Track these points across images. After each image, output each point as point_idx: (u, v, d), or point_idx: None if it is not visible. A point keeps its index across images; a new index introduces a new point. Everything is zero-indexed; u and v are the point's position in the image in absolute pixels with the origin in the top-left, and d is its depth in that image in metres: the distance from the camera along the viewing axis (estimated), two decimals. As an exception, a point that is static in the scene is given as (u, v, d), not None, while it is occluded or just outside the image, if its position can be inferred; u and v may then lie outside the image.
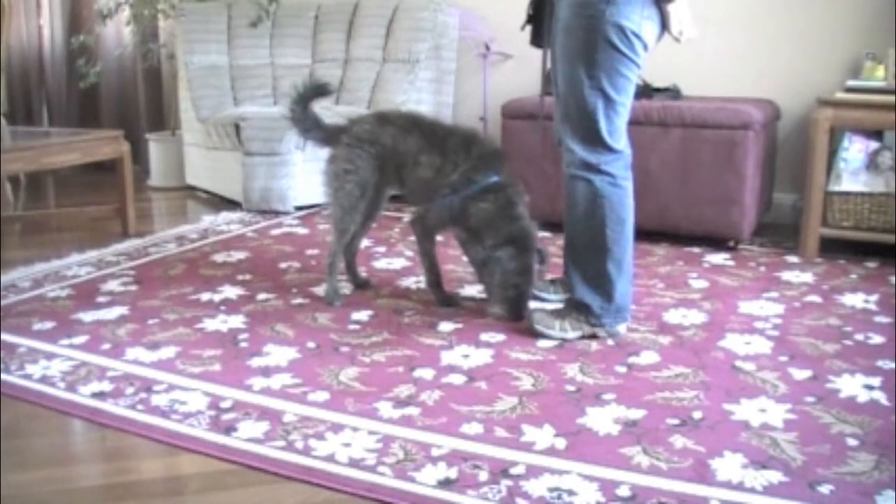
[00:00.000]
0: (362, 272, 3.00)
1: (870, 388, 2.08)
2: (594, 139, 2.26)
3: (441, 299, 2.71)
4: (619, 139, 2.30)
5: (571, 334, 2.39)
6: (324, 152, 2.86)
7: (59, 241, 3.71)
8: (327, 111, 4.11)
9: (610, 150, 2.27)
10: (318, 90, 2.81)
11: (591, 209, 2.31)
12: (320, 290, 2.88)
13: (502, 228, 2.47)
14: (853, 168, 3.28)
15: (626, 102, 2.28)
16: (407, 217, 3.91)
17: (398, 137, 2.64)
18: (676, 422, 1.91)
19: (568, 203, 2.40)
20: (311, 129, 2.79)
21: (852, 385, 2.10)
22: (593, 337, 2.40)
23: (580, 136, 2.29)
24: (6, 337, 2.47)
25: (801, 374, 2.18)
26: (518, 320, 2.52)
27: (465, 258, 2.71)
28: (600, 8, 2.17)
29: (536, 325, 2.41)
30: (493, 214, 2.47)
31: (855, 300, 2.76)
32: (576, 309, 2.40)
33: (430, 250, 2.68)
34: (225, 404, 2.02)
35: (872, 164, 3.26)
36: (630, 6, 2.17)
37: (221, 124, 4.26)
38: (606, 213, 2.29)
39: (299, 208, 4.13)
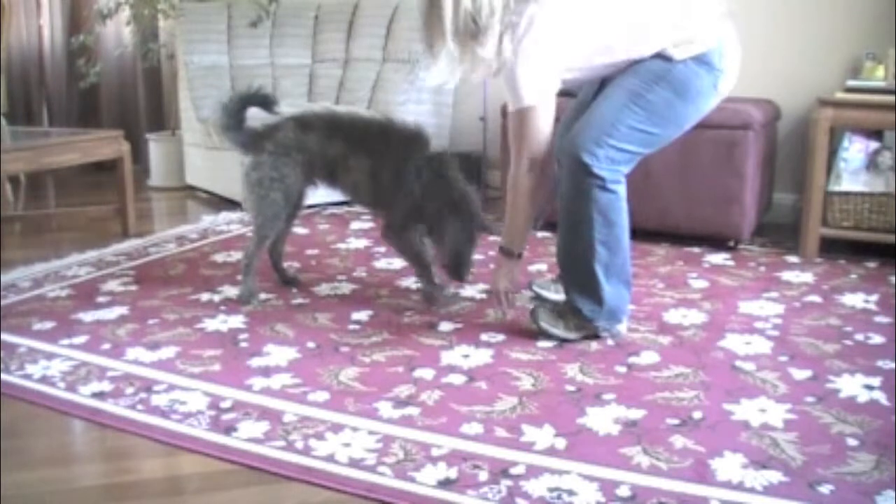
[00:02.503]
0: (362, 272, 3.00)
1: (870, 388, 2.08)
2: (601, 141, 2.21)
3: (437, 292, 2.67)
4: (620, 168, 2.26)
5: (574, 335, 2.38)
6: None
7: (59, 241, 3.71)
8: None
9: (608, 160, 2.22)
10: (261, 99, 2.75)
11: (577, 211, 2.27)
12: (320, 289, 2.88)
13: (442, 193, 2.52)
14: (853, 168, 3.28)
15: (644, 150, 2.30)
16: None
17: (323, 142, 2.66)
18: (676, 422, 1.91)
19: (558, 204, 2.39)
20: (232, 129, 2.73)
21: (852, 385, 2.10)
22: (594, 337, 2.40)
23: (590, 131, 2.24)
24: (6, 337, 2.47)
25: (801, 374, 2.18)
26: (461, 280, 2.64)
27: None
28: (713, 72, 2.25)
29: (541, 323, 2.40)
30: (431, 181, 2.52)
31: (855, 300, 2.76)
32: (570, 312, 2.40)
33: (412, 251, 2.66)
34: (225, 404, 2.02)
35: (872, 164, 3.26)
36: (722, 79, 2.28)
37: (221, 124, 4.26)
38: (593, 216, 2.25)
39: (299, 208, 4.13)
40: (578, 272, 2.34)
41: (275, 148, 2.68)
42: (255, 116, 2.78)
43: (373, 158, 2.61)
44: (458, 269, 2.56)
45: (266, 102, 2.76)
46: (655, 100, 2.22)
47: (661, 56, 2.24)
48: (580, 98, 2.53)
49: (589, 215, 2.26)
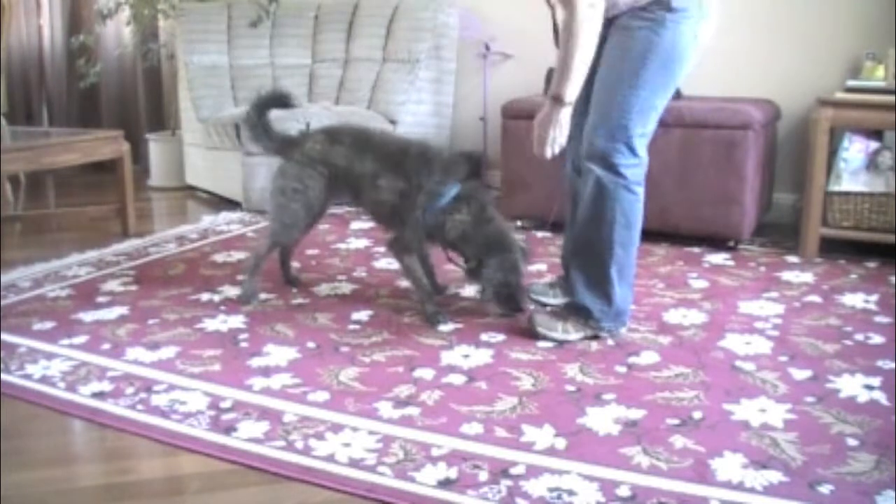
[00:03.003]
0: (362, 272, 3.00)
1: (870, 388, 2.08)
2: (620, 135, 2.24)
3: (432, 315, 2.57)
4: (643, 145, 2.29)
5: (574, 336, 2.38)
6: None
7: (59, 241, 3.71)
8: (327, 111, 4.12)
9: (632, 151, 2.26)
10: (279, 100, 2.76)
11: (600, 210, 2.28)
12: (320, 289, 2.88)
13: (480, 235, 2.46)
14: (853, 168, 3.28)
15: (656, 116, 2.30)
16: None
17: (351, 158, 2.62)
18: (676, 422, 1.91)
19: (574, 203, 2.39)
20: (261, 136, 2.75)
21: (852, 385, 2.10)
22: (594, 337, 2.40)
23: (605, 130, 2.26)
24: (6, 337, 2.47)
25: (801, 374, 2.18)
26: (520, 312, 2.53)
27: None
28: (686, 20, 2.21)
29: (539, 328, 2.40)
30: (469, 224, 2.47)
31: (855, 300, 2.76)
32: (576, 312, 2.39)
33: (413, 266, 2.61)
34: (225, 404, 2.02)
35: (872, 164, 3.26)
36: (701, 24, 2.24)
37: (221, 124, 4.26)
38: (616, 217, 2.27)
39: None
40: (593, 272, 2.34)
41: (301, 157, 2.67)
42: (283, 117, 2.80)
43: (408, 181, 2.52)
44: (514, 299, 2.51)
45: (284, 102, 2.77)
46: (649, 74, 2.23)
47: (646, 18, 2.23)
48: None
49: (612, 216, 2.28)
